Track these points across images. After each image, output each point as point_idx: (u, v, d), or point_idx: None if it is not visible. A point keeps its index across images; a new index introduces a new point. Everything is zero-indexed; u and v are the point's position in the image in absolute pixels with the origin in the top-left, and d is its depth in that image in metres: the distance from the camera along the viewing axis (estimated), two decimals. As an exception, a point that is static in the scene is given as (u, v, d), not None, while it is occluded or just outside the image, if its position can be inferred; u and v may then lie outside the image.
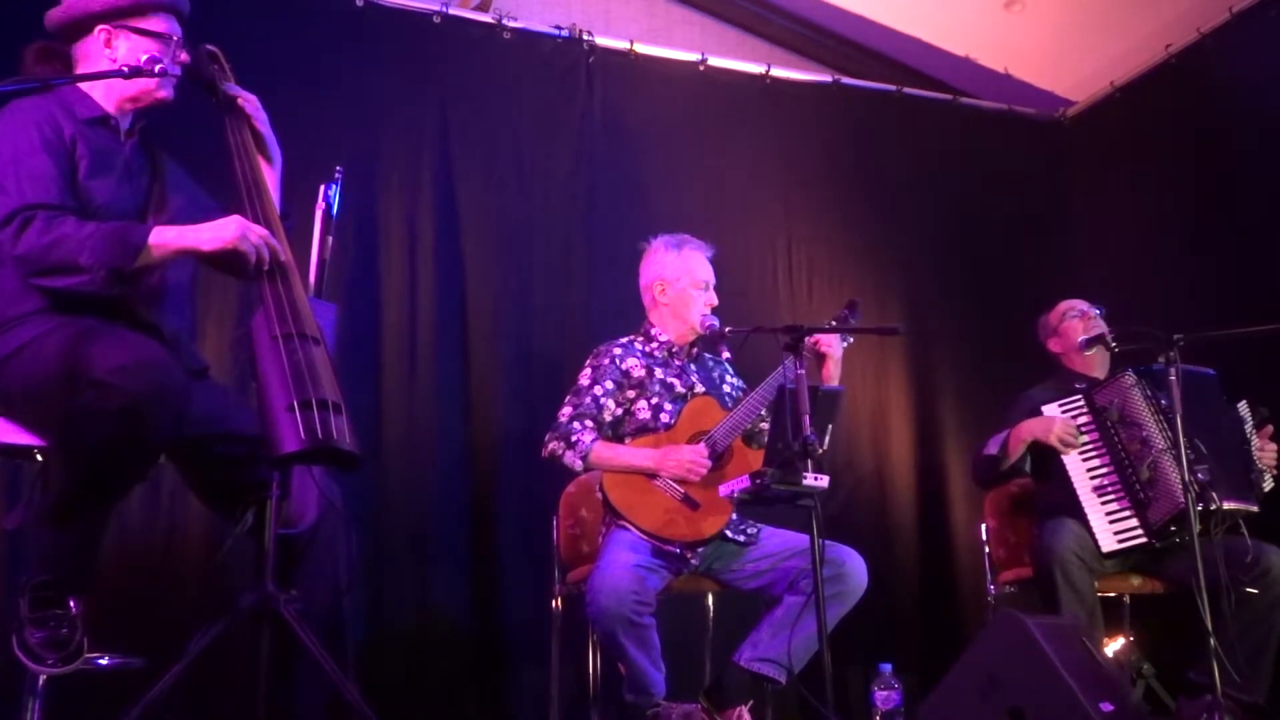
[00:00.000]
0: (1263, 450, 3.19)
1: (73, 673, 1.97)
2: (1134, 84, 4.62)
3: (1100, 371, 3.44)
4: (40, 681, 2.13)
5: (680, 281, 3.14)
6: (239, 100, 2.32)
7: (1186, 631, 2.86)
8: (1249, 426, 3.20)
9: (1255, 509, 3.06)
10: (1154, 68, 4.50)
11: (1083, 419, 3.24)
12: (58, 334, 2.00)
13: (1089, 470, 3.18)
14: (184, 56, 2.29)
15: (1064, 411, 3.26)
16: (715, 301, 3.13)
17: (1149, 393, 3.15)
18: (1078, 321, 3.50)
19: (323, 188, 2.48)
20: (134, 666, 2.25)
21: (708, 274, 3.16)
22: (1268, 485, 3.17)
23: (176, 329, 2.26)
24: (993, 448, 3.32)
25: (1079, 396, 3.27)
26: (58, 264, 2.01)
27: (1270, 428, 3.23)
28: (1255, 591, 2.94)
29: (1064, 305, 3.58)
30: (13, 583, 2.06)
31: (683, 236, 3.22)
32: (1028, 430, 3.24)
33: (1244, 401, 3.22)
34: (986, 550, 3.51)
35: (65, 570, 1.97)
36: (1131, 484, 3.10)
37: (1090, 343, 3.26)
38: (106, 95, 2.26)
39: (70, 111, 2.19)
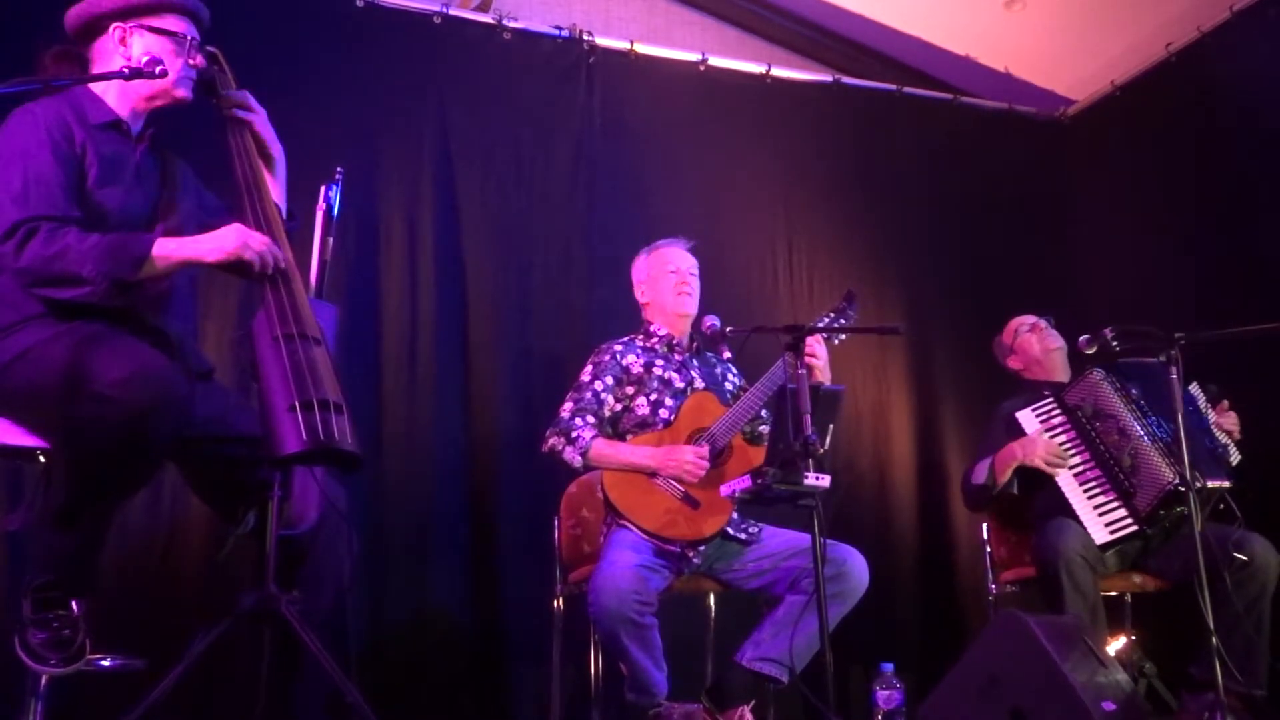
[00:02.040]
0: (1223, 420, 3.23)
1: (75, 673, 1.98)
2: (1135, 83, 4.62)
3: (1063, 376, 3.47)
4: (42, 682, 2.13)
5: (654, 275, 3.21)
6: (243, 102, 2.32)
7: (1187, 629, 2.87)
8: (1203, 403, 3.24)
9: (1229, 484, 3.09)
10: (1154, 67, 4.50)
11: (1057, 420, 3.27)
12: (61, 341, 1.99)
13: (1071, 468, 3.20)
14: (199, 60, 2.27)
15: (1037, 416, 3.30)
16: (688, 282, 3.17)
17: (1118, 385, 3.21)
18: (1031, 335, 3.56)
19: (323, 188, 2.49)
20: (136, 667, 2.25)
21: (678, 259, 3.20)
22: (1235, 458, 3.21)
23: (182, 332, 2.26)
24: (980, 476, 3.32)
25: (1050, 400, 3.30)
26: (60, 276, 2.00)
27: (1225, 402, 3.27)
28: (1244, 558, 2.97)
29: (1014, 323, 3.64)
30: (15, 584, 2.07)
31: (657, 241, 3.28)
32: (1013, 455, 3.25)
33: (1194, 384, 3.25)
34: (987, 549, 3.50)
35: (67, 572, 1.97)
36: (1115, 474, 3.14)
37: (1091, 342, 3.26)
38: (120, 98, 2.25)
39: (82, 115, 2.18)
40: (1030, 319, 3.59)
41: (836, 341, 3.00)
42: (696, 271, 3.22)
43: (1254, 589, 2.98)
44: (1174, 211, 4.34)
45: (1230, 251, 4.06)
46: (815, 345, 2.85)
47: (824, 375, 2.86)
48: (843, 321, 2.93)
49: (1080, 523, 3.10)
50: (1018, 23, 4.63)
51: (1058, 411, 3.28)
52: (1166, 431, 3.02)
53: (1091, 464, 3.18)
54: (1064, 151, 4.92)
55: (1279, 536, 3.09)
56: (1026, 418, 3.30)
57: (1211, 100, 4.23)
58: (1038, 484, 3.26)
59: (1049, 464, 3.19)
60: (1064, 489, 3.17)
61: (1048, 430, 3.27)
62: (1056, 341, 3.51)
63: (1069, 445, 3.23)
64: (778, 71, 4.55)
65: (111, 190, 2.15)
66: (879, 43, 4.93)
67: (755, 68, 4.52)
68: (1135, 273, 4.42)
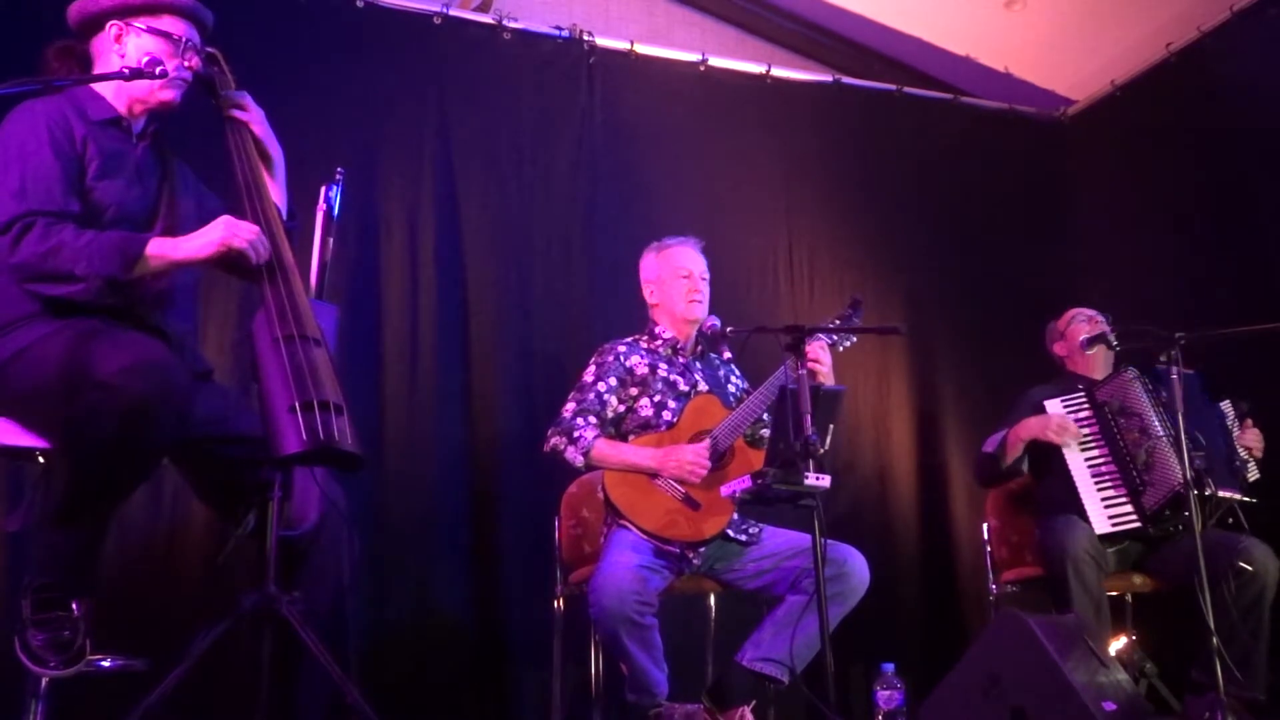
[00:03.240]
0: (1245, 436, 3.25)
1: (75, 675, 1.97)
2: (1135, 82, 4.62)
3: (1102, 373, 3.47)
4: (43, 684, 2.12)
5: (663, 277, 3.18)
6: (240, 103, 2.33)
7: (1189, 630, 2.87)
8: (1230, 419, 3.28)
9: (1241, 497, 3.12)
10: (1155, 66, 4.50)
11: (1083, 413, 3.29)
12: (61, 336, 2.00)
13: (1087, 460, 3.23)
14: (194, 61, 2.27)
15: (1066, 407, 3.32)
16: (699, 289, 3.14)
17: (1150, 386, 3.23)
18: (1084, 326, 3.55)
19: (324, 189, 2.49)
20: (136, 668, 2.24)
21: (689, 263, 3.17)
22: (1253, 475, 3.23)
23: (182, 332, 2.26)
24: (990, 446, 3.35)
25: (1081, 392, 3.32)
26: (53, 272, 2.01)
27: (1250, 420, 3.30)
28: (1249, 567, 2.98)
29: (1072, 311, 3.64)
30: (15, 584, 2.07)
31: (666, 239, 3.25)
32: (1025, 430, 3.28)
33: (1226, 400, 3.30)
34: (988, 549, 3.51)
35: (68, 572, 1.97)
36: (1129, 470, 3.16)
37: (1092, 341, 3.28)
38: (117, 96, 2.26)
39: (83, 112, 2.19)
40: (1089, 311, 3.59)
41: (841, 349, 2.99)
42: (707, 275, 3.20)
43: (1252, 594, 3.00)
44: (1173, 211, 4.34)
45: (1230, 251, 4.06)
46: (819, 351, 2.85)
47: (827, 381, 2.86)
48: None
49: (1084, 511, 3.12)
50: (1018, 22, 4.63)
51: (1086, 405, 3.30)
52: (1191, 439, 2.97)
53: (1109, 459, 3.21)
54: (1064, 151, 4.91)
55: (1278, 539, 3.10)
56: (1054, 406, 3.33)
57: (1211, 100, 4.23)
58: (1048, 469, 3.27)
59: (1059, 435, 3.20)
60: (1075, 476, 3.19)
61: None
62: None
63: (1090, 438, 3.25)
64: (778, 71, 4.55)
65: (110, 184, 2.16)
66: (879, 43, 4.92)
67: (755, 68, 4.52)
68: (1135, 272, 4.42)
